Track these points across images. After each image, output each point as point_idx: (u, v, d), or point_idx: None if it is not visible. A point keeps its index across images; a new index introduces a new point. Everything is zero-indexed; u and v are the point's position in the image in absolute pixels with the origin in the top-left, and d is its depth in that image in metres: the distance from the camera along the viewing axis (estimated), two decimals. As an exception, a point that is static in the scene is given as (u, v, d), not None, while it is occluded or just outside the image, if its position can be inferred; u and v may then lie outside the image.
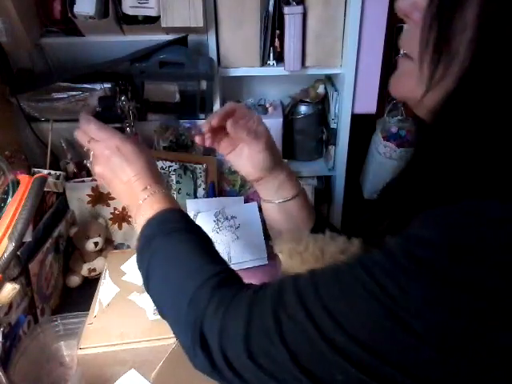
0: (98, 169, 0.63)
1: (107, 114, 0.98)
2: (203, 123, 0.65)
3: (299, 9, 0.95)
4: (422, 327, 0.31)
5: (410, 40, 0.39)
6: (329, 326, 0.35)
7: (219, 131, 0.64)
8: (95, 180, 1.04)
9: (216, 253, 0.53)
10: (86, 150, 0.65)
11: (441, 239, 0.33)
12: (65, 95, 0.97)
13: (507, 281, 0.30)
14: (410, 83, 0.41)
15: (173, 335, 0.67)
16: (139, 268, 0.55)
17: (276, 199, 0.66)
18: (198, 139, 0.65)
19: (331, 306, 0.35)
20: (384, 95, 1.14)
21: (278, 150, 0.67)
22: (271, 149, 0.64)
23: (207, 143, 0.65)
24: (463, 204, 0.34)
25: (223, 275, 0.47)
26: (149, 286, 0.52)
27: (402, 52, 0.42)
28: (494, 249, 0.31)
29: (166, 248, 0.52)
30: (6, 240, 0.69)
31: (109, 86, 0.99)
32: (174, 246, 0.52)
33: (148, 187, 0.59)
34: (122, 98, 0.99)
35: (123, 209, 1.08)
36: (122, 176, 0.60)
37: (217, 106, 1.07)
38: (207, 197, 1.13)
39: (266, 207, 0.68)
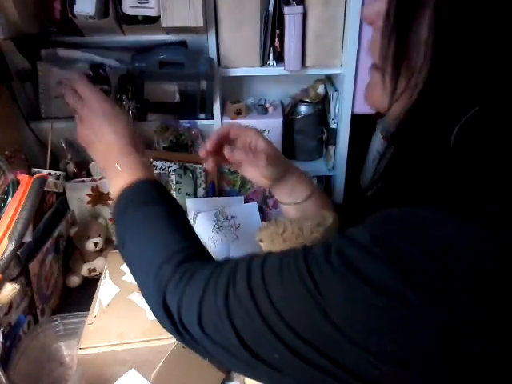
0: (81, 129, 0.66)
1: (95, 78, 0.97)
2: (200, 148, 0.68)
3: (299, 9, 0.95)
4: (346, 325, 0.33)
5: (376, 49, 0.39)
6: (268, 310, 0.37)
7: (220, 152, 0.67)
8: (95, 180, 1.04)
9: (187, 225, 0.57)
10: (71, 109, 0.69)
11: (368, 242, 0.34)
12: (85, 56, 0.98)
13: (419, 286, 0.31)
14: (377, 93, 0.41)
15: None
16: (116, 236, 0.59)
17: (291, 201, 0.67)
18: (202, 153, 0.68)
19: (272, 293, 0.38)
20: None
21: (284, 158, 0.69)
22: (274, 160, 0.66)
23: (210, 168, 0.69)
24: (401, 209, 0.36)
25: (190, 251, 0.51)
26: (123, 255, 0.57)
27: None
28: (410, 254, 0.32)
29: (139, 221, 0.56)
30: (5, 240, 0.69)
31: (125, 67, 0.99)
32: (146, 219, 0.55)
33: (126, 152, 0.62)
34: (123, 98, 0.99)
35: (123, 209, 1.08)
36: (102, 137, 0.63)
37: (217, 106, 1.07)
38: (207, 197, 1.13)
39: (284, 209, 0.70)
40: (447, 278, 0.31)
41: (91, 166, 1.07)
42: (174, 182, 1.10)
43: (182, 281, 0.46)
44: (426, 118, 0.38)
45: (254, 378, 0.44)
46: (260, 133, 0.68)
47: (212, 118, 1.09)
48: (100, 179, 1.04)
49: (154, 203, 0.57)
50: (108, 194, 1.06)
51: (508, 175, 0.34)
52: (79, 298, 0.93)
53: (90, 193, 1.04)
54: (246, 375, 0.45)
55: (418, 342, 0.31)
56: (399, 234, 0.34)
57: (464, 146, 0.36)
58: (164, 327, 0.49)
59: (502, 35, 0.32)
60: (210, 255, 0.54)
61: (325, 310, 0.34)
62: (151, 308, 0.51)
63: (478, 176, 0.35)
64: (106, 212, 1.08)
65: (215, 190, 1.14)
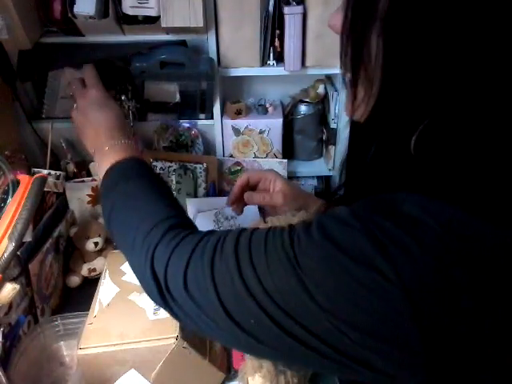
0: (76, 115, 0.75)
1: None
2: (227, 200, 0.81)
3: (299, 9, 0.95)
4: (320, 293, 0.35)
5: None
6: (250, 274, 0.39)
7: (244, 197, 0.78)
8: (95, 180, 1.04)
9: (174, 199, 0.60)
10: (70, 95, 0.81)
11: (348, 215, 0.37)
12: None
13: (390, 258, 0.33)
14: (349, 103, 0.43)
15: (173, 335, 0.67)
16: (102, 209, 0.62)
17: None
18: (228, 203, 0.80)
19: (255, 259, 0.40)
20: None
21: (302, 193, 0.77)
22: (291, 197, 0.73)
23: (239, 211, 0.81)
24: (380, 195, 0.38)
25: (178, 219, 0.53)
26: (111, 228, 0.59)
27: None
28: (382, 229, 0.34)
29: (127, 193, 0.59)
30: (6, 240, 0.69)
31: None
32: (134, 190, 0.59)
33: (115, 136, 0.68)
34: (123, 98, 0.99)
35: (123, 209, 1.08)
36: (93, 123, 0.72)
37: (217, 106, 1.07)
38: (207, 197, 1.13)
39: None
40: (418, 250, 0.32)
41: (91, 165, 1.07)
42: (174, 182, 1.10)
43: (173, 242, 0.48)
44: (384, 128, 0.40)
45: (232, 346, 0.46)
46: (277, 174, 0.77)
47: (212, 118, 1.09)
48: (100, 179, 1.05)
49: (140, 177, 0.61)
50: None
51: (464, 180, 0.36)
52: (79, 297, 0.93)
53: (90, 193, 1.04)
54: (225, 343, 0.48)
55: (390, 314, 0.32)
56: (378, 212, 0.35)
57: (423, 156, 0.37)
58: (148, 292, 0.50)
59: (449, 51, 0.33)
60: (196, 227, 0.56)
61: (302, 279, 0.36)
62: (137, 274, 0.53)
63: (439, 185, 0.37)
64: (106, 212, 1.08)
65: (215, 189, 1.14)
